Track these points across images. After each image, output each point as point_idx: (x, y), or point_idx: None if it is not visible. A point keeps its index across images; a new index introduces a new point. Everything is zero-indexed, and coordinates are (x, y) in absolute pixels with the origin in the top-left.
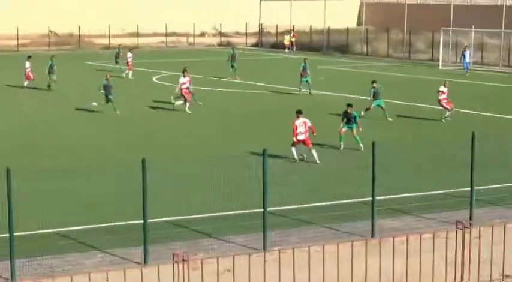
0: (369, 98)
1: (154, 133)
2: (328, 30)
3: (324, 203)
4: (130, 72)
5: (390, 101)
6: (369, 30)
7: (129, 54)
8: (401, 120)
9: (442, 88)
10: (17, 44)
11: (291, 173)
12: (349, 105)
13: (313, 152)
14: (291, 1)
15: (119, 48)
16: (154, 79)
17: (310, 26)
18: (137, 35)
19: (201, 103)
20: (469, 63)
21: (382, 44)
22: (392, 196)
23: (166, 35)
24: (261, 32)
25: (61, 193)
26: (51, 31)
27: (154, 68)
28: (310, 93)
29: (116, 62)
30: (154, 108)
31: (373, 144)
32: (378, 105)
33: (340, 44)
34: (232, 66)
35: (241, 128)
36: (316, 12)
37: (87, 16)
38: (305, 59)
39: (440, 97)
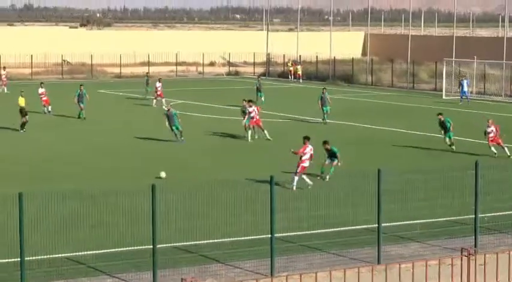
0: (441, 134)
1: (169, 157)
2: (334, 60)
3: (331, 230)
4: (163, 100)
5: (394, 129)
6: (373, 60)
7: (158, 84)
8: (407, 149)
9: (487, 129)
10: (31, 72)
11: (297, 199)
12: (325, 142)
13: (305, 177)
14: (297, 32)
15: (147, 76)
16: (164, 107)
17: (317, 56)
18: (148, 64)
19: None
20: (470, 92)
21: (387, 73)
22: (397, 223)
23: (177, 64)
24: (268, 62)
25: (72, 216)
26: (64, 60)
27: (165, 97)
28: (324, 122)
29: (146, 90)
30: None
31: (379, 171)
32: (449, 137)
33: (345, 74)
34: (260, 96)
35: (254, 156)
36: (322, 43)
37: (99, 45)
38: (324, 88)
39: (490, 135)
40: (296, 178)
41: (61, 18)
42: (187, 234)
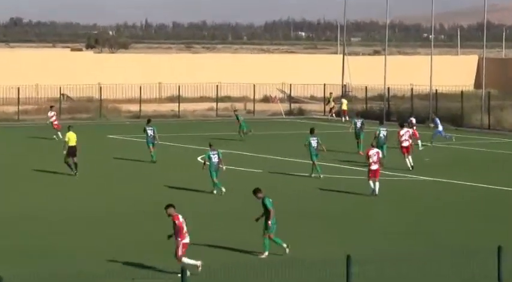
0: None
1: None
2: (436, 95)
3: None
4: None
5: None
6: (491, 94)
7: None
8: None
9: None
10: (18, 111)
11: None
12: (256, 190)
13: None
14: (385, 55)
15: (236, 115)
16: (199, 158)
17: (412, 89)
18: (178, 99)
19: None
20: None
21: (510, 113)
22: None
23: (217, 100)
24: (344, 97)
25: None
26: (63, 94)
27: (200, 145)
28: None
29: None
30: None
31: (499, 249)
32: None
33: (452, 113)
34: (359, 138)
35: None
36: (419, 70)
37: (111, 74)
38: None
39: None
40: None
41: (60, 37)
42: None
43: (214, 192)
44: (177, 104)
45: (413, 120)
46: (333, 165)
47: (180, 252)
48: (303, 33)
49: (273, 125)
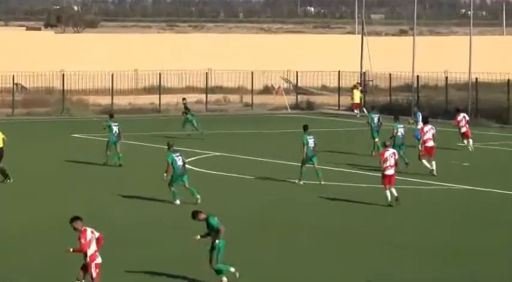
0: None
1: None
2: (476, 85)
3: None
4: None
5: None
6: None
7: None
8: None
9: None
10: None
11: None
12: (195, 214)
13: None
14: (413, 36)
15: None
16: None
17: (446, 77)
18: (159, 90)
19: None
20: None
21: None
22: None
23: (207, 90)
24: (364, 87)
25: None
26: (16, 84)
27: (185, 146)
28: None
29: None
30: None
31: None
32: None
33: (495, 107)
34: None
35: None
36: (454, 54)
37: (77, 59)
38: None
39: None
40: None
41: (13, 15)
42: None
43: (177, 202)
44: (158, 96)
45: (466, 116)
46: (342, 170)
47: (95, 274)
48: (313, 9)
49: (275, 122)
